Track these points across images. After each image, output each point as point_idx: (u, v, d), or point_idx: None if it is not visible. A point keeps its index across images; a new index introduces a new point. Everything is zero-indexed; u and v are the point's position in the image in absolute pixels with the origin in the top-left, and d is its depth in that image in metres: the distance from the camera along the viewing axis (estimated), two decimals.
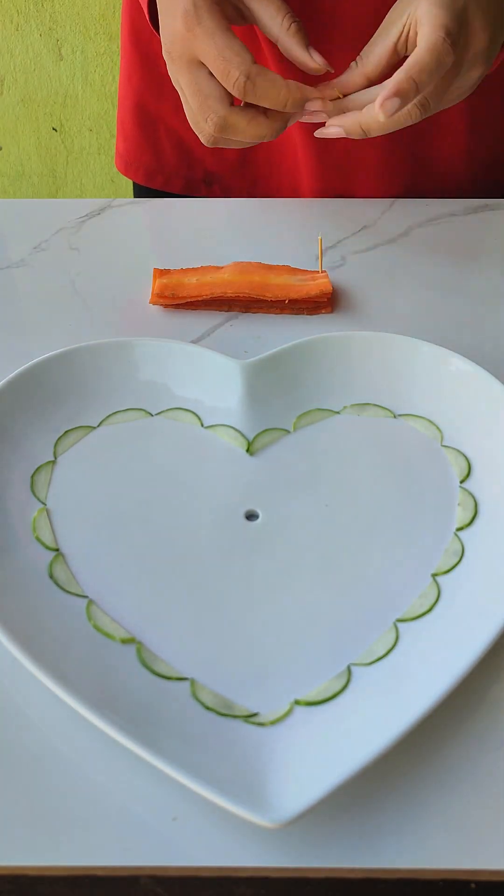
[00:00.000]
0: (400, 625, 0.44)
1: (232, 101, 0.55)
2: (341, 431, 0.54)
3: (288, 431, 0.54)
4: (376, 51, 0.55)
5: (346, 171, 0.75)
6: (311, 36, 0.59)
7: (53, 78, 1.45)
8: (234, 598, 0.45)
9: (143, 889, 0.36)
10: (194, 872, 0.37)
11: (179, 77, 0.56)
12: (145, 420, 0.54)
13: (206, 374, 0.55)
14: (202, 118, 0.56)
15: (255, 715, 0.41)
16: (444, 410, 0.54)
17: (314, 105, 0.55)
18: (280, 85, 0.53)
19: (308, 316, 0.62)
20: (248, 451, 0.52)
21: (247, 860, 0.37)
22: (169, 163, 0.82)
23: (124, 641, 0.43)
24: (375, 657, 0.43)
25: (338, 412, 0.55)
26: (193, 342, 0.59)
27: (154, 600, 0.45)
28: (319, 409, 0.55)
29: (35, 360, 0.54)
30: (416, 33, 0.53)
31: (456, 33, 0.52)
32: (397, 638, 0.44)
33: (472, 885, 0.37)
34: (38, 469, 0.51)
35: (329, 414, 0.55)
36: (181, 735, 0.39)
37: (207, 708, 0.41)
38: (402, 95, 0.51)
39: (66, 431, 0.53)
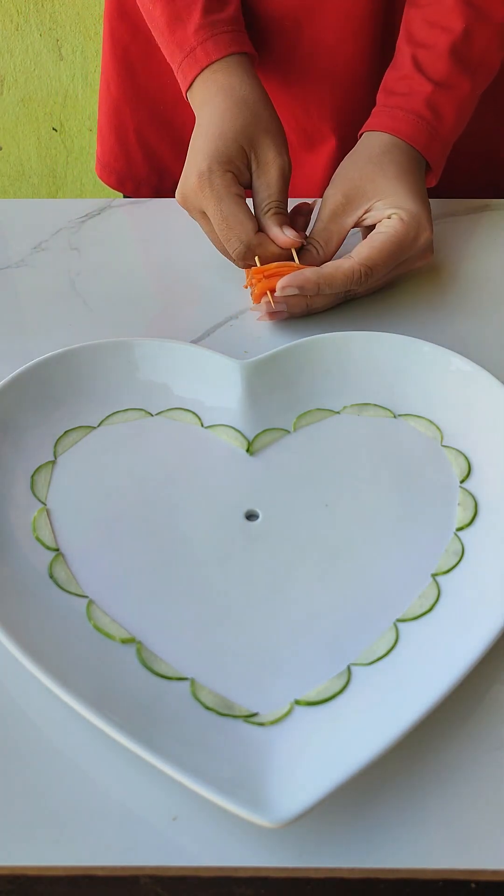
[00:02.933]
0: (400, 625, 0.44)
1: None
2: (341, 431, 0.54)
3: (288, 431, 0.54)
4: (336, 239, 0.62)
5: None
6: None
7: (53, 78, 1.45)
8: (233, 598, 0.45)
9: (143, 889, 0.36)
10: (194, 872, 0.37)
11: (198, 222, 0.63)
12: (145, 420, 0.54)
13: (206, 374, 0.55)
14: (222, 252, 0.63)
15: (255, 715, 0.41)
16: (444, 410, 0.54)
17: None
18: (275, 257, 0.60)
19: (307, 315, 0.62)
20: (248, 451, 0.52)
21: (247, 860, 0.37)
22: (140, 171, 0.83)
23: (124, 641, 0.43)
24: (375, 657, 0.43)
25: (338, 412, 0.55)
26: (193, 342, 0.59)
27: (154, 600, 0.45)
28: (319, 409, 0.55)
29: (35, 360, 0.54)
30: (379, 218, 0.61)
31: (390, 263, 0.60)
32: (397, 638, 0.44)
33: (472, 885, 0.37)
34: (38, 469, 0.51)
35: (329, 414, 0.55)
36: (181, 735, 0.39)
37: (207, 708, 0.41)
38: (305, 290, 0.59)
39: (66, 431, 0.53)
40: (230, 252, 0.61)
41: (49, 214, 0.73)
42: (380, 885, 0.37)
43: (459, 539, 0.48)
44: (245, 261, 0.61)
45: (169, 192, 0.82)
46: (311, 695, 0.41)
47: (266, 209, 0.61)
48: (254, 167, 0.62)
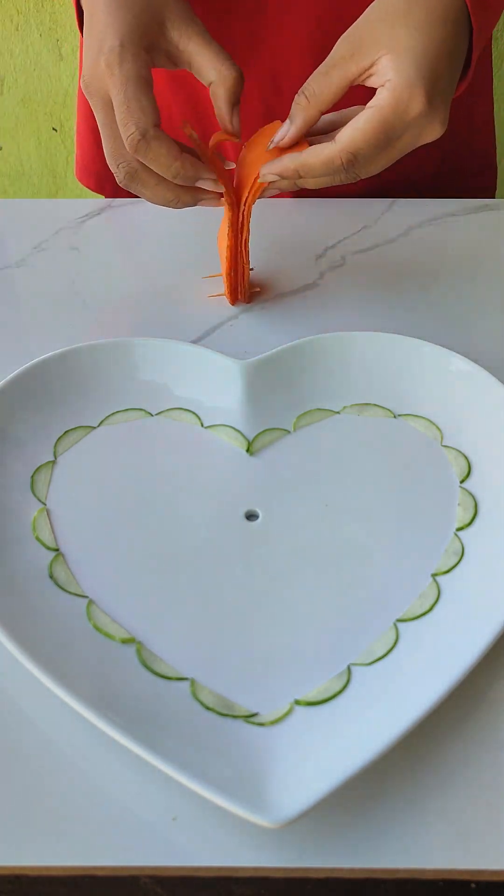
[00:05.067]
0: (400, 625, 0.44)
1: None
2: (341, 431, 0.54)
3: (288, 431, 0.54)
4: (332, 88, 0.53)
5: None
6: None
7: (53, 78, 1.45)
8: (233, 598, 0.45)
9: (143, 889, 0.36)
10: (194, 872, 0.37)
11: (96, 113, 0.55)
12: (145, 420, 0.54)
13: (206, 374, 0.55)
14: (114, 162, 0.54)
15: (255, 715, 0.41)
16: (444, 410, 0.54)
17: (206, 184, 0.54)
18: (173, 155, 0.52)
19: (307, 315, 0.62)
20: (248, 451, 0.52)
21: (247, 860, 0.37)
22: None
23: (124, 641, 0.43)
24: (375, 657, 0.43)
25: (338, 412, 0.55)
26: (193, 342, 0.59)
27: (154, 600, 0.45)
28: (319, 409, 0.55)
29: (35, 360, 0.54)
30: (378, 83, 0.51)
31: (391, 134, 0.51)
32: (397, 638, 0.44)
33: (472, 885, 0.37)
34: (38, 469, 0.51)
35: (329, 414, 0.55)
36: (181, 735, 0.39)
37: (207, 708, 0.41)
38: (284, 177, 0.54)
39: (66, 431, 0.53)
40: (125, 138, 0.52)
41: (49, 214, 0.73)
42: (380, 885, 0.37)
43: (459, 539, 0.48)
44: (137, 153, 0.52)
45: None
46: (311, 695, 0.41)
47: (226, 73, 0.53)
48: (176, 39, 0.54)
